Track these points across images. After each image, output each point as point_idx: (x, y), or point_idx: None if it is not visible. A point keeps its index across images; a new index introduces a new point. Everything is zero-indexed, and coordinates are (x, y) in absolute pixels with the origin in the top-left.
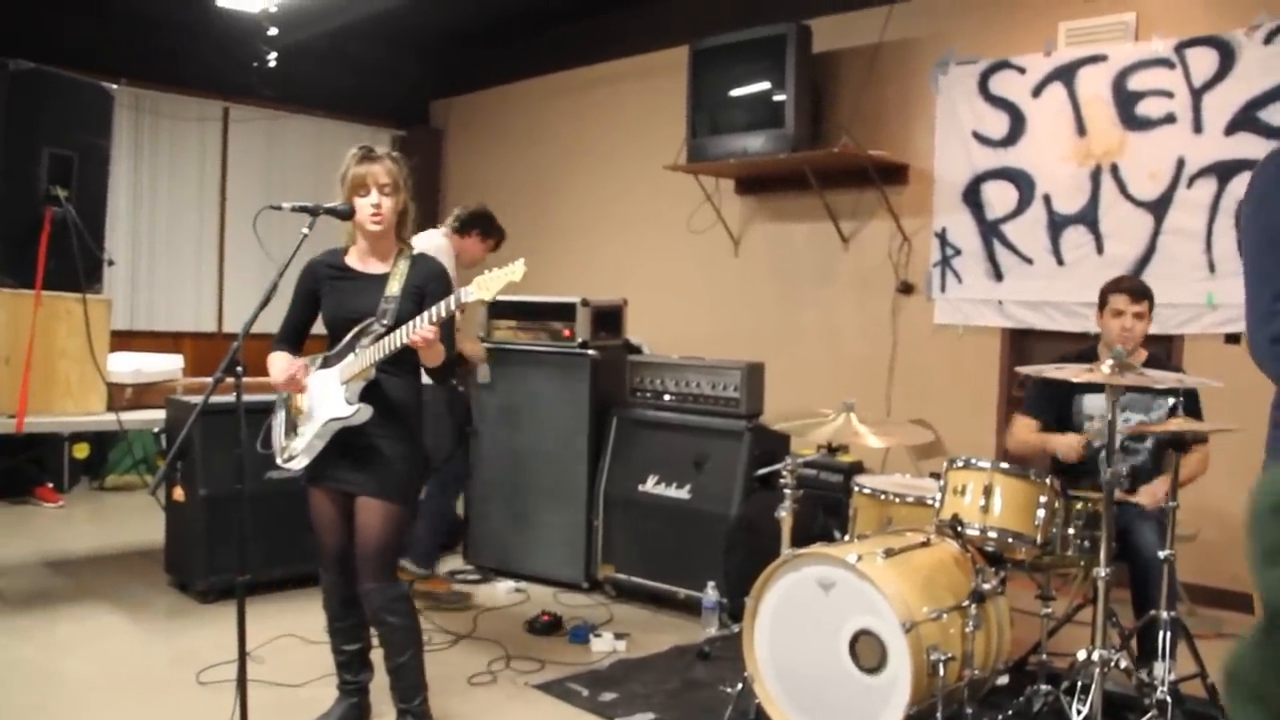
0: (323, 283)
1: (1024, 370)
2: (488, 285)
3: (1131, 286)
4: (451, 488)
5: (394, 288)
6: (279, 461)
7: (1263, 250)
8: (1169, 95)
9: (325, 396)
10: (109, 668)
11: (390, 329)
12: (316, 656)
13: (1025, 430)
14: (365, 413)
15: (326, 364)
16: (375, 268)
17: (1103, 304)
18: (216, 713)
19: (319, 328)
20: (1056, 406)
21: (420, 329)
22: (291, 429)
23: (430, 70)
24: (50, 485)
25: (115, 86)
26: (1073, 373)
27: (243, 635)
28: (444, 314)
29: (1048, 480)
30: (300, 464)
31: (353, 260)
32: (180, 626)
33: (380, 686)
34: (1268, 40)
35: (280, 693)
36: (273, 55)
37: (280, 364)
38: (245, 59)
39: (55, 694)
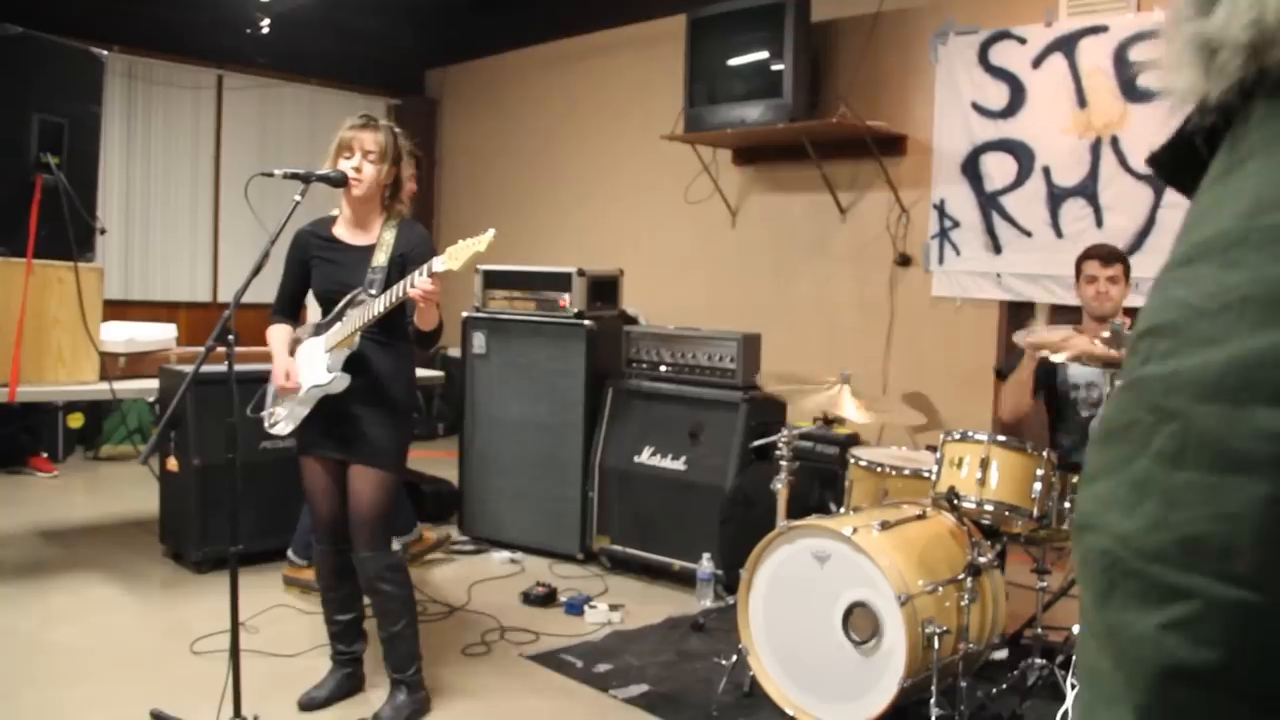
0: (312, 254)
1: (1020, 336)
2: (456, 255)
3: (1101, 251)
4: None
5: (380, 259)
6: (265, 426)
7: None
8: None
9: (309, 364)
10: (103, 638)
11: (376, 298)
12: (310, 627)
13: (1004, 392)
14: (342, 380)
15: (318, 333)
16: (362, 239)
17: (1078, 273)
18: (210, 683)
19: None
20: (1044, 377)
21: (419, 281)
22: (279, 394)
23: (425, 39)
24: (45, 455)
25: (107, 53)
26: (1067, 328)
27: (235, 605)
28: (427, 278)
29: (1044, 453)
30: (282, 429)
31: (340, 231)
32: (174, 597)
33: (374, 657)
34: None
35: (274, 663)
36: (266, 22)
37: (281, 362)
38: (239, 26)
39: (49, 664)
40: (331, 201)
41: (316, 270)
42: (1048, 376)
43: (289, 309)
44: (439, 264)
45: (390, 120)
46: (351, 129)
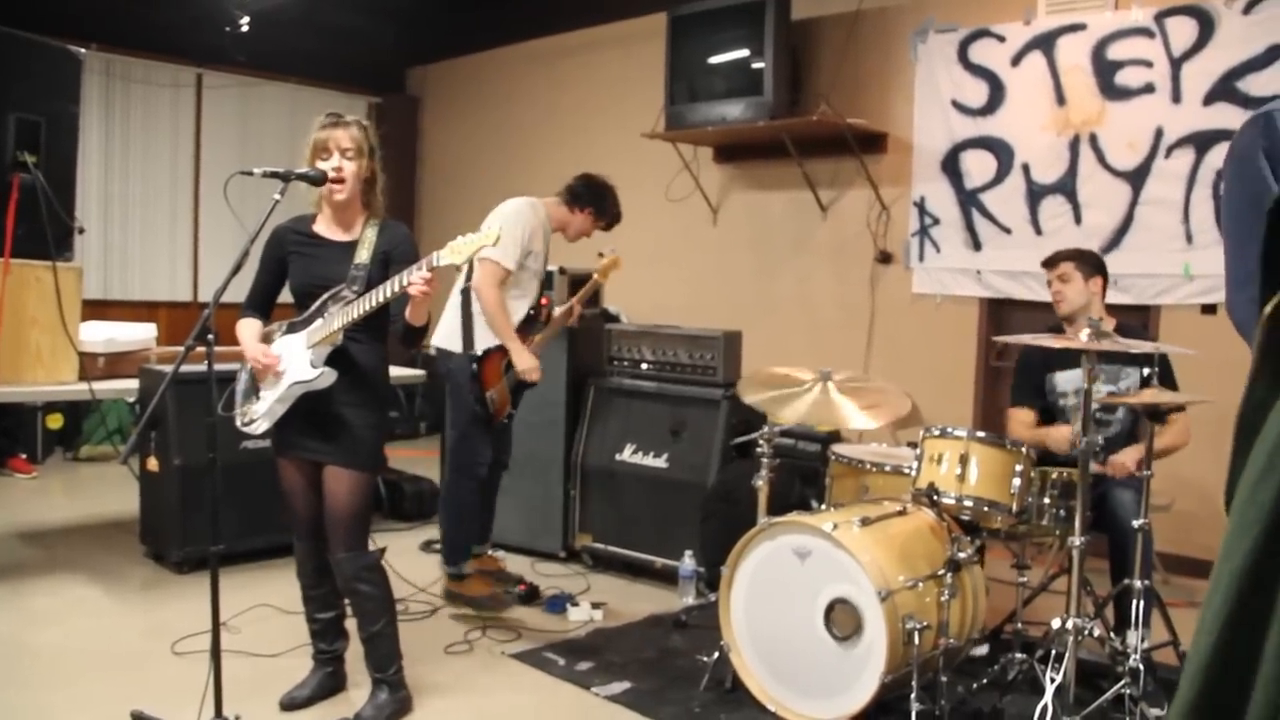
0: (290, 250)
1: (1000, 339)
2: (460, 250)
3: (1046, 258)
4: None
5: (363, 255)
6: (238, 425)
7: (1246, 212)
8: (1148, 65)
9: (290, 361)
10: (83, 639)
11: (361, 295)
12: (292, 626)
13: (1022, 426)
14: (329, 377)
15: (292, 330)
16: (342, 236)
17: None
18: (191, 683)
19: (286, 295)
20: (1035, 383)
21: (417, 275)
22: (253, 392)
23: (406, 37)
24: (24, 456)
25: (84, 51)
26: (1049, 339)
27: (216, 606)
28: (426, 273)
29: (1023, 449)
30: (259, 428)
31: (320, 228)
32: (155, 597)
33: (356, 656)
34: (1247, 10)
35: (255, 663)
36: (245, 20)
37: (253, 345)
38: (219, 24)
39: (29, 666)
40: (311, 200)
41: (294, 265)
42: (1038, 384)
43: (260, 304)
44: (443, 258)
45: (371, 119)
46: (325, 128)
